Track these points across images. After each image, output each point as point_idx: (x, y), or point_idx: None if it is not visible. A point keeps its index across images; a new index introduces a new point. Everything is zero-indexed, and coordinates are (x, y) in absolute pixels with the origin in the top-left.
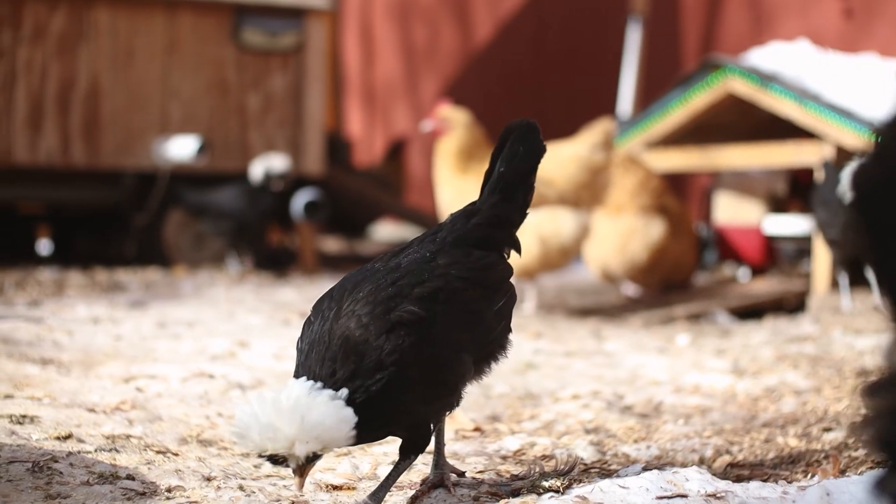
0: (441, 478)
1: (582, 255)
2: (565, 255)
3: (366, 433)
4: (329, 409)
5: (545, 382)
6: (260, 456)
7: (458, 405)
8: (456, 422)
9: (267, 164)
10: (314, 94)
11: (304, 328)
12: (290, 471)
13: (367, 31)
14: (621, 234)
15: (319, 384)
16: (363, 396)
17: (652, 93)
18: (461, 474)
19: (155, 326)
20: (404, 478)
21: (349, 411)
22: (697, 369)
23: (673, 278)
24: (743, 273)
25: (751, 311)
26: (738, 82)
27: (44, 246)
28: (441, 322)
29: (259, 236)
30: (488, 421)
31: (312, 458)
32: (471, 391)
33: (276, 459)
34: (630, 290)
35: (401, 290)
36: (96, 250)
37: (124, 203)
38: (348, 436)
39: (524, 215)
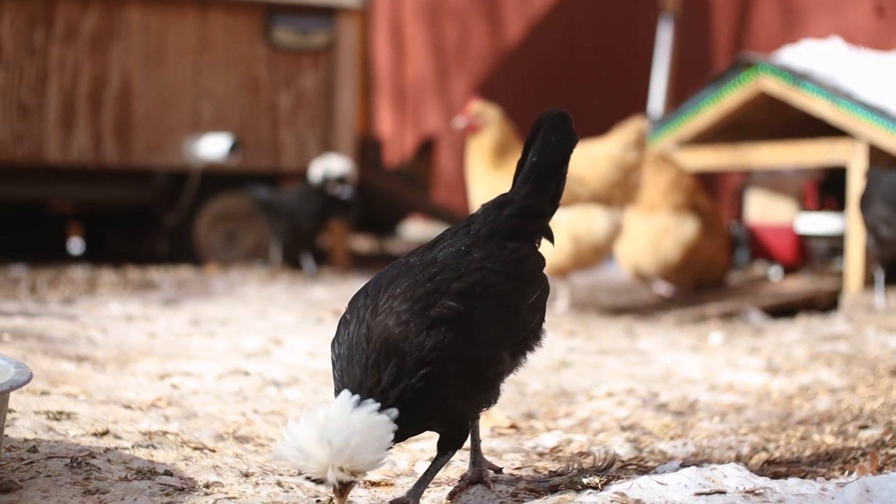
0: (479, 474)
1: (614, 254)
2: (598, 254)
3: (406, 431)
4: (365, 431)
5: (579, 380)
6: (301, 476)
7: (496, 402)
8: (492, 419)
9: (326, 167)
10: (345, 93)
11: (339, 328)
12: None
13: (398, 30)
14: (653, 233)
15: (366, 399)
16: (407, 396)
17: (683, 91)
18: (499, 471)
19: (188, 324)
20: (442, 474)
21: (387, 431)
22: (731, 367)
23: (705, 277)
24: (775, 272)
25: (783, 310)
26: (771, 80)
27: (75, 245)
28: (479, 317)
29: (311, 238)
30: (524, 418)
31: (348, 483)
32: (505, 388)
33: (314, 480)
34: (662, 288)
35: (439, 286)
36: (128, 249)
37: (156, 202)
38: (382, 459)
39: (556, 206)
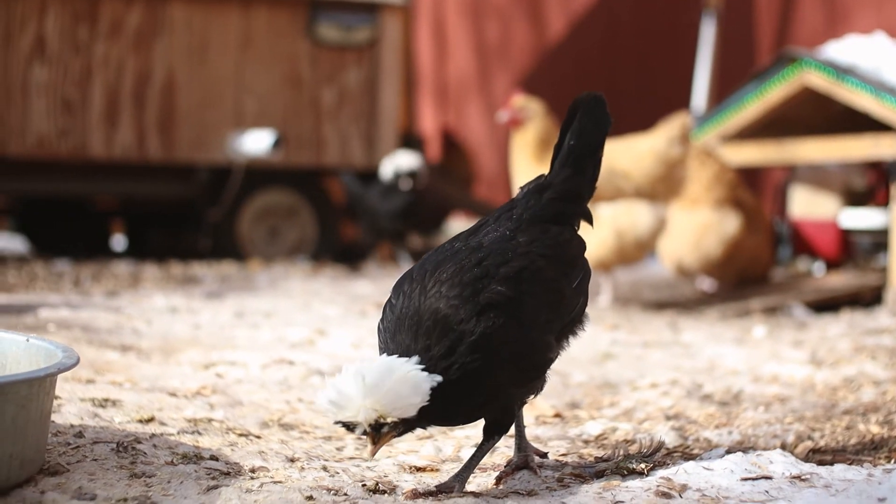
0: (525, 460)
1: (656, 250)
2: (641, 249)
3: (452, 414)
4: (404, 377)
5: (623, 372)
6: (335, 423)
7: (542, 389)
8: (536, 408)
9: (396, 163)
10: (388, 89)
11: (385, 310)
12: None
13: (440, 27)
14: (696, 229)
15: (414, 358)
16: (453, 376)
17: (726, 88)
18: (544, 455)
19: (233, 316)
20: (487, 460)
21: (425, 383)
22: (775, 360)
23: (748, 273)
24: (818, 268)
25: (827, 305)
26: (815, 75)
27: (118, 242)
28: (528, 302)
29: (391, 234)
30: (568, 407)
31: (381, 426)
32: (549, 379)
33: (348, 426)
34: (705, 284)
35: (487, 271)
36: (170, 245)
37: (198, 198)
38: (418, 405)
39: (594, 189)
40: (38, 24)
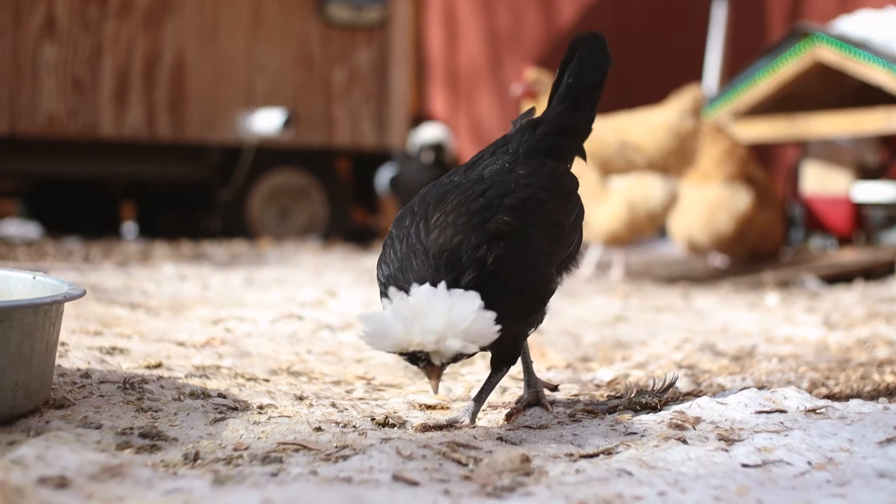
0: (536, 395)
1: (667, 229)
2: (653, 222)
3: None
4: (471, 306)
5: (635, 333)
6: (400, 354)
7: (541, 322)
8: (547, 359)
9: (420, 136)
10: (399, 70)
11: (385, 248)
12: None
13: (451, 14)
14: (707, 205)
15: (472, 293)
16: None
17: (738, 67)
18: (554, 388)
19: (242, 282)
20: (498, 399)
21: (485, 308)
22: (788, 323)
23: (760, 249)
24: (830, 245)
25: (840, 279)
26: (827, 50)
27: (129, 229)
28: (532, 234)
29: None
30: (580, 361)
31: (457, 357)
32: (560, 339)
33: (416, 357)
34: (717, 260)
35: (491, 201)
36: (180, 226)
37: (209, 178)
38: (494, 331)
39: (590, 129)
40: (48, 2)
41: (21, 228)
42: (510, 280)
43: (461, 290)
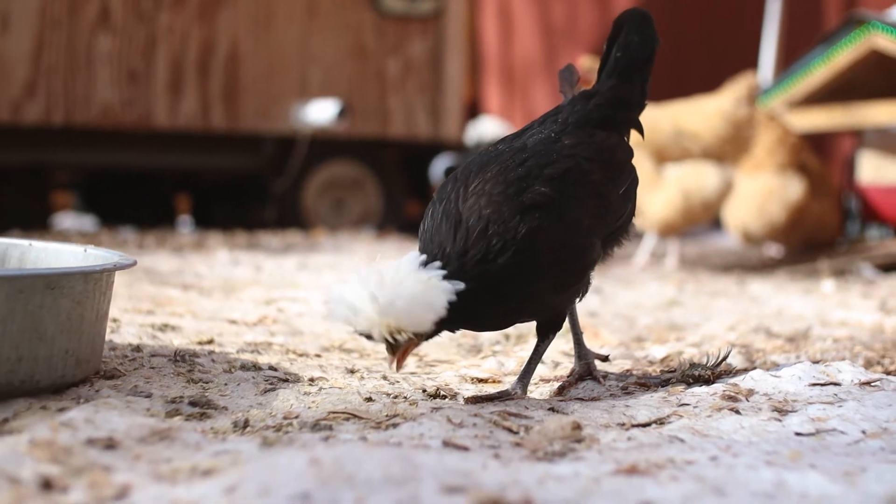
0: (588, 367)
1: (722, 219)
2: (708, 210)
3: (488, 317)
4: (419, 294)
5: (689, 316)
6: (355, 333)
7: (586, 292)
8: (600, 339)
9: (479, 130)
10: (453, 61)
11: (426, 212)
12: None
13: (505, 9)
14: (759, 194)
15: (435, 265)
16: (489, 276)
17: (793, 55)
18: (605, 358)
19: (296, 267)
20: (551, 373)
21: (442, 297)
22: (844, 308)
23: (815, 238)
24: (887, 236)
25: None
26: (883, 38)
27: (184, 222)
28: (572, 205)
29: None
30: (633, 341)
31: (397, 340)
32: (614, 321)
33: (366, 336)
34: (772, 250)
35: (530, 171)
36: (235, 218)
37: (263, 169)
38: (434, 320)
39: (643, 103)
40: None
41: (77, 221)
42: (544, 252)
43: (434, 271)
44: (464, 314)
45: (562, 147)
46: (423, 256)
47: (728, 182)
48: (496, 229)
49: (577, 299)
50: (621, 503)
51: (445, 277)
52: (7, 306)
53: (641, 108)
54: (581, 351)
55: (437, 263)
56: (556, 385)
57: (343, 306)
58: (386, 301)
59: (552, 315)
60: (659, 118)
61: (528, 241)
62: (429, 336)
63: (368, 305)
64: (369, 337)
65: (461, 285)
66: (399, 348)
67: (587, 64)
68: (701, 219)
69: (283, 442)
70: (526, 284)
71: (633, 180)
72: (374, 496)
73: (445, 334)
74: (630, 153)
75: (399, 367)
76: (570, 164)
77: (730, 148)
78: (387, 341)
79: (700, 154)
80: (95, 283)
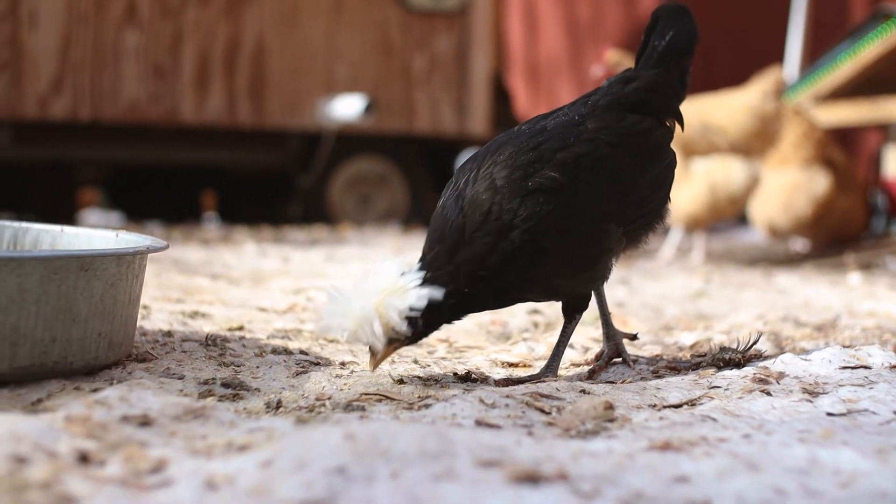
0: (616, 348)
1: (748, 215)
2: (734, 205)
3: (489, 301)
4: (391, 308)
5: (717, 307)
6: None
7: (608, 277)
8: (629, 326)
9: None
10: (479, 57)
11: (443, 191)
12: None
13: (530, 6)
14: (785, 188)
15: (414, 275)
16: (491, 262)
17: (819, 50)
18: (634, 337)
19: (323, 258)
20: (580, 357)
21: (413, 306)
22: (871, 300)
23: (842, 232)
24: None
25: None
26: None
27: (210, 217)
28: (583, 191)
29: None
30: (661, 329)
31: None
32: (641, 311)
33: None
34: (798, 245)
35: (542, 155)
36: (260, 214)
37: (289, 164)
38: (404, 332)
39: (683, 94)
40: None
41: (103, 217)
42: (547, 237)
43: (407, 283)
44: (461, 305)
45: (582, 131)
46: (406, 262)
47: (755, 177)
48: (498, 210)
49: (600, 281)
50: (656, 478)
51: (426, 281)
52: (41, 287)
53: (680, 99)
54: (609, 331)
55: (417, 267)
56: (587, 369)
57: (326, 315)
58: (358, 314)
59: (572, 297)
60: (686, 112)
61: (529, 224)
62: (412, 338)
63: (347, 320)
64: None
65: (438, 294)
66: (379, 353)
67: (614, 58)
68: (727, 213)
69: (318, 420)
70: (526, 268)
71: (667, 167)
72: (409, 469)
73: (473, 321)
74: (665, 140)
75: (373, 368)
76: (587, 148)
77: (756, 142)
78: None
79: (727, 148)
80: (128, 265)
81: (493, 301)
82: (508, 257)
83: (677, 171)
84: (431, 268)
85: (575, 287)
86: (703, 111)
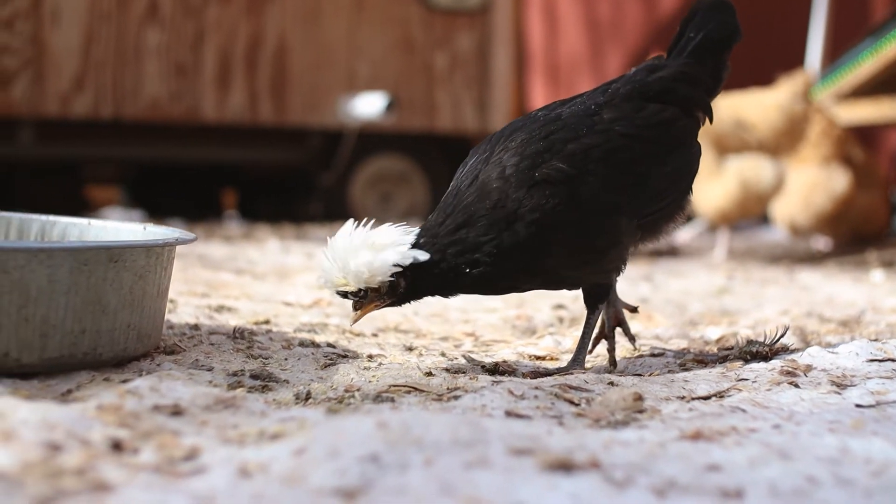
0: (616, 316)
1: (769, 213)
2: (762, 203)
3: (469, 283)
4: (377, 257)
5: (740, 303)
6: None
7: (623, 269)
8: (654, 322)
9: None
10: (501, 55)
11: (460, 167)
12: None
13: (551, 6)
14: (804, 187)
15: (410, 235)
16: (491, 250)
17: (840, 48)
18: (634, 309)
19: None
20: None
21: (396, 262)
22: (895, 296)
23: (864, 230)
24: None
25: None
26: None
27: (231, 216)
28: (592, 183)
29: None
30: (687, 324)
31: (354, 294)
32: (665, 307)
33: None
34: (820, 243)
35: (552, 145)
36: (281, 212)
37: (310, 162)
38: (385, 287)
39: (714, 88)
40: None
41: (125, 216)
42: (552, 229)
43: (394, 243)
44: (440, 281)
45: (597, 121)
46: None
47: (781, 177)
48: (502, 199)
49: (614, 273)
50: (688, 466)
51: (417, 246)
52: (70, 279)
53: (711, 93)
54: (610, 298)
55: (416, 233)
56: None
57: (322, 266)
58: (343, 256)
59: (589, 288)
60: (719, 107)
61: (534, 215)
62: (395, 297)
63: (329, 262)
64: (343, 295)
65: (424, 255)
66: (362, 305)
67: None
68: (754, 211)
69: (349, 409)
70: (530, 259)
71: (690, 159)
72: (442, 457)
73: (498, 316)
74: (688, 131)
75: (354, 321)
76: (599, 140)
77: (784, 141)
78: (351, 295)
79: (756, 146)
80: (157, 257)
81: (484, 287)
82: (508, 247)
83: (708, 166)
84: (428, 235)
85: (586, 278)
86: (735, 107)
